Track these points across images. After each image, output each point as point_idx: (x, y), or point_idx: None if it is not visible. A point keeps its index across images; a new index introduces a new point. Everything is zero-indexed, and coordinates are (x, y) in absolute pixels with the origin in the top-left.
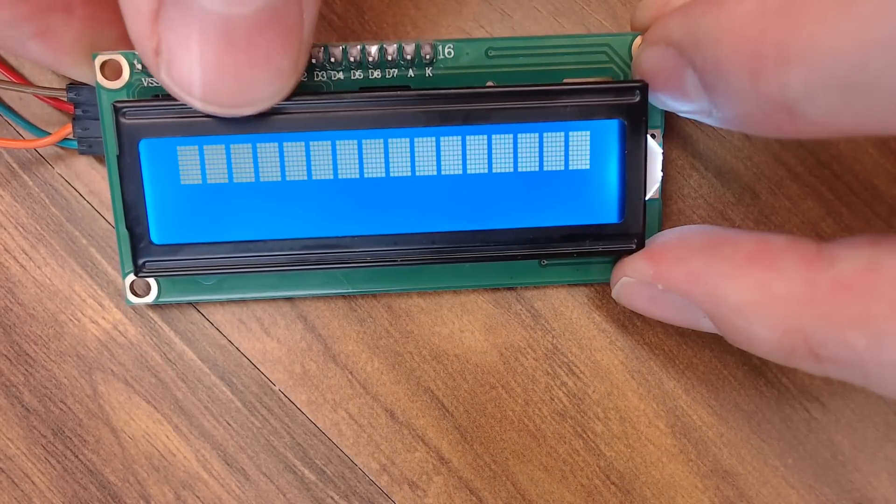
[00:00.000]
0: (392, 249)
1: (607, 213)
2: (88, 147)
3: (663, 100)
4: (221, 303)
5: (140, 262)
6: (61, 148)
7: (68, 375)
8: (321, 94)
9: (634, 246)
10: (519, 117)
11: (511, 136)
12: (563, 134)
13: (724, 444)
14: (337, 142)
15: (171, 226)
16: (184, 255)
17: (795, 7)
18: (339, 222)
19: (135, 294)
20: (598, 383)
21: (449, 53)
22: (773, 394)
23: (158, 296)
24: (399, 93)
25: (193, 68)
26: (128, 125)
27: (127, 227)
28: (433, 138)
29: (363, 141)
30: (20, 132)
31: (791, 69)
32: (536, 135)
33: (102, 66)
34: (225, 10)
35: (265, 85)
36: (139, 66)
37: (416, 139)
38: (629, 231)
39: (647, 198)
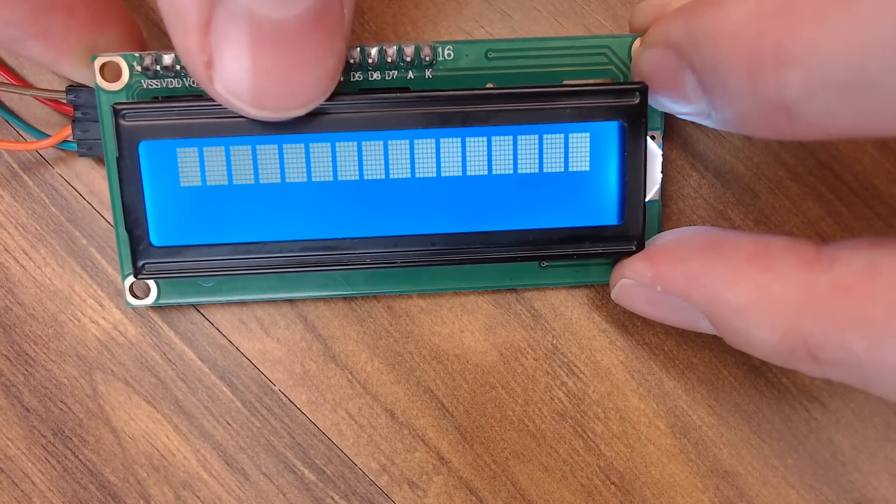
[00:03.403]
0: (392, 251)
1: (607, 214)
2: (88, 149)
3: (662, 101)
4: (221, 304)
5: (140, 264)
6: (61, 150)
7: (68, 375)
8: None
9: (634, 247)
10: (519, 119)
11: (511, 137)
12: (562, 136)
13: (724, 444)
14: (336, 143)
15: (171, 228)
16: (183, 257)
17: (794, 8)
18: (339, 224)
19: (134, 296)
20: (598, 383)
21: (448, 55)
22: (773, 394)
23: (158, 298)
24: (399, 94)
25: (246, 75)
26: (127, 127)
27: (126, 230)
28: (433, 140)
29: (363, 143)
30: (20, 134)
31: (789, 70)
32: (536, 136)
33: (102, 67)
34: (275, 14)
35: (314, 85)
36: (139, 69)
37: (415, 141)
38: (629, 233)
39: (646, 199)
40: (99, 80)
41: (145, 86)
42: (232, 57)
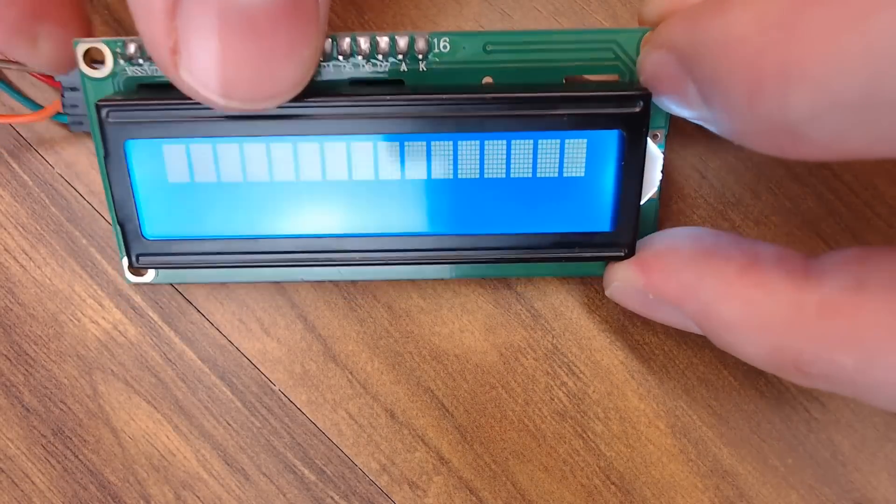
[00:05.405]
0: (381, 251)
1: (600, 221)
2: (79, 123)
3: (665, 104)
4: (221, 302)
5: (133, 255)
6: (62, 130)
7: (68, 375)
8: (309, 99)
9: (624, 253)
10: (513, 126)
11: (504, 142)
12: (558, 142)
13: (724, 444)
14: (325, 144)
15: (163, 221)
16: (177, 249)
17: (801, 21)
18: (328, 222)
19: (135, 273)
20: (598, 383)
21: (444, 48)
22: (773, 394)
23: (157, 276)
24: (389, 98)
25: (214, 63)
26: (112, 125)
27: (119, 223)
28: (423, 143)
29: (351, 144)
30: (18, 108)
31: (794, 88)
32: (531, 142)
33: (85, 54)
34: (246, 1)
35: (287, 76)
36: (122, 56)
37: (406, 144)
38: (620, 240)
39: (643, 201)
40: (82, 66)
41: (130, 73)
42: (199, 43)
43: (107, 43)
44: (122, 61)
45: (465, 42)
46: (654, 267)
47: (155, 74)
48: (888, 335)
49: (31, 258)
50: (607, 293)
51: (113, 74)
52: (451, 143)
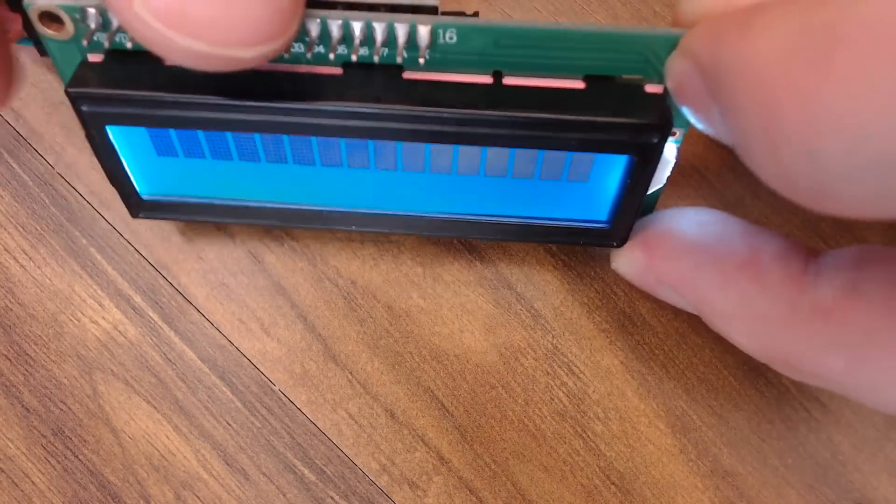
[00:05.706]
0: (375, 227)
1: (597, 217)
2: (45, 52)
3: (691, 119)
4: (221, 302)
5: (133, 212)
6: (63, 129)
7: (68, 375)
8: (299, 100)
9: (615, 245)
10: (518, 143)
11: (507, 150)
12: (564, 154)
13: (724, 444)
14: (318, 140)
15: (157, 184)
16: (174, 207)
17: (833, 59)
18: (323, 197)
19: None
20: (598, 383)
21: (450, 39)
22: (773, 394)
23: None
24: (385, 107)
25: None
26: (88, 113)
27: (113, 186)
28: (422, 145)
29: (347, 141)
30: None
31: (825, 139)
32: (535, 153)
33: (40, 16)
34: None
35: (261, 18)
36: (84, 24)
37: (403, 146)
38: (614, 235)
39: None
40: (41, 29)
41: (96, 38)
42: None
43: (64, 8)
44: (84, 39)
45: (474, 34)
46: (657, 251)
47: (123, 41)
48: (878, 338)
49: (31, 258)
50: (612, 267)
51: (76, 40)
52: (450, 147)
